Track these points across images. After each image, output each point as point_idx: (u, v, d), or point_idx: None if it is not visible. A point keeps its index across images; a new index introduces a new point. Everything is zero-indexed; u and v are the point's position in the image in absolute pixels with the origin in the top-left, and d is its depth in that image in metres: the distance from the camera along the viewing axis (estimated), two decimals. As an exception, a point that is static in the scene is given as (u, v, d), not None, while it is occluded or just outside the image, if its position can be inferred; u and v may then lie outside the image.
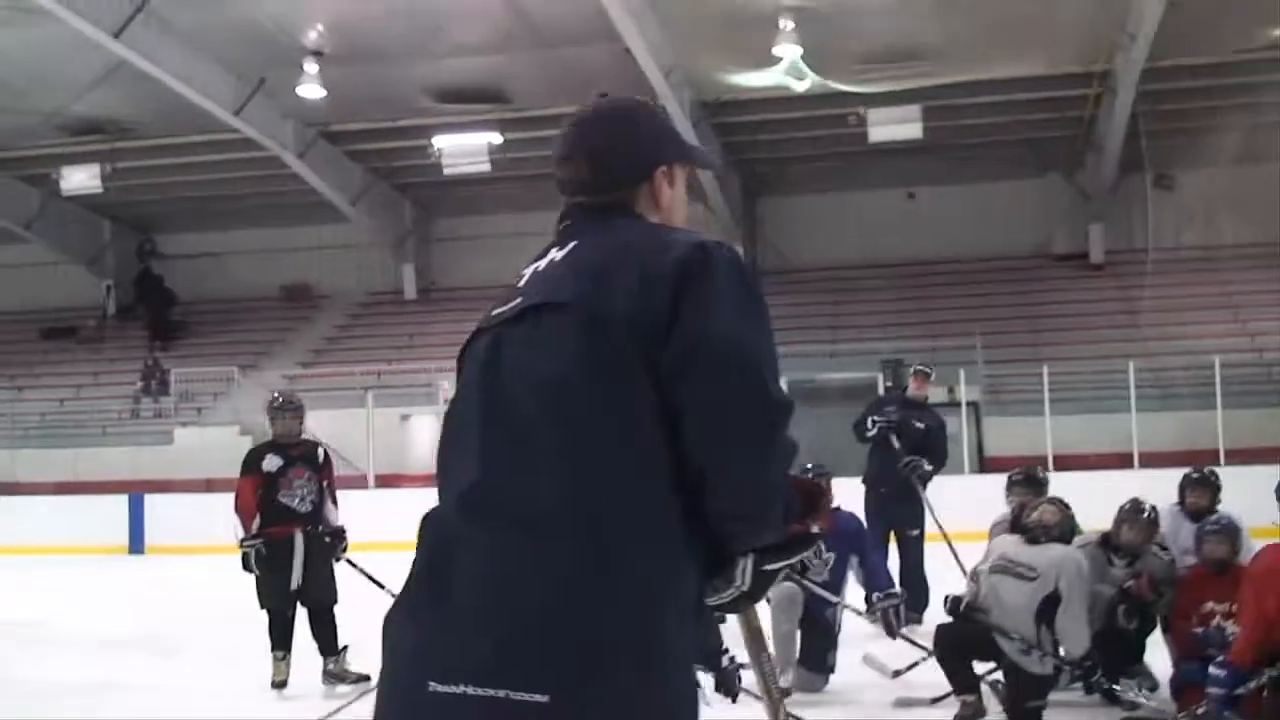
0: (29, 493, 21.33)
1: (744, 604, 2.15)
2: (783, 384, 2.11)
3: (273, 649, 7.73)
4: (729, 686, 5.97)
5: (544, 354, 2.04)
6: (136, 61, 18.79)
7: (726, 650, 6.08)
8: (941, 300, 23.44)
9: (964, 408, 19.54)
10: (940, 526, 9.37)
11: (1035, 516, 6.26)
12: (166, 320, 27.43)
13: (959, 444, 19.28)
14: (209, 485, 18.67)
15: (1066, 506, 6.53)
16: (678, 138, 2.42)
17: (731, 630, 6.14)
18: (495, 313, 2.18)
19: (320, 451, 8.06)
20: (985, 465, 19.31)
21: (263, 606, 7.78)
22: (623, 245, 2.12)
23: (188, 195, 25.96)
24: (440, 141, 23.14)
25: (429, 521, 2.08)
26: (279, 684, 7.69)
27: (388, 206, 26.94)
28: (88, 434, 23.49)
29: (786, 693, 6.27)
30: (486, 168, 23.15)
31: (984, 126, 22.42)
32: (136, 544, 18.92)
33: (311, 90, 20.58)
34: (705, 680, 6.10)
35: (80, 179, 23.39)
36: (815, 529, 2.16)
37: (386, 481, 19.32)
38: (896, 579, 8.57)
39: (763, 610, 6.14)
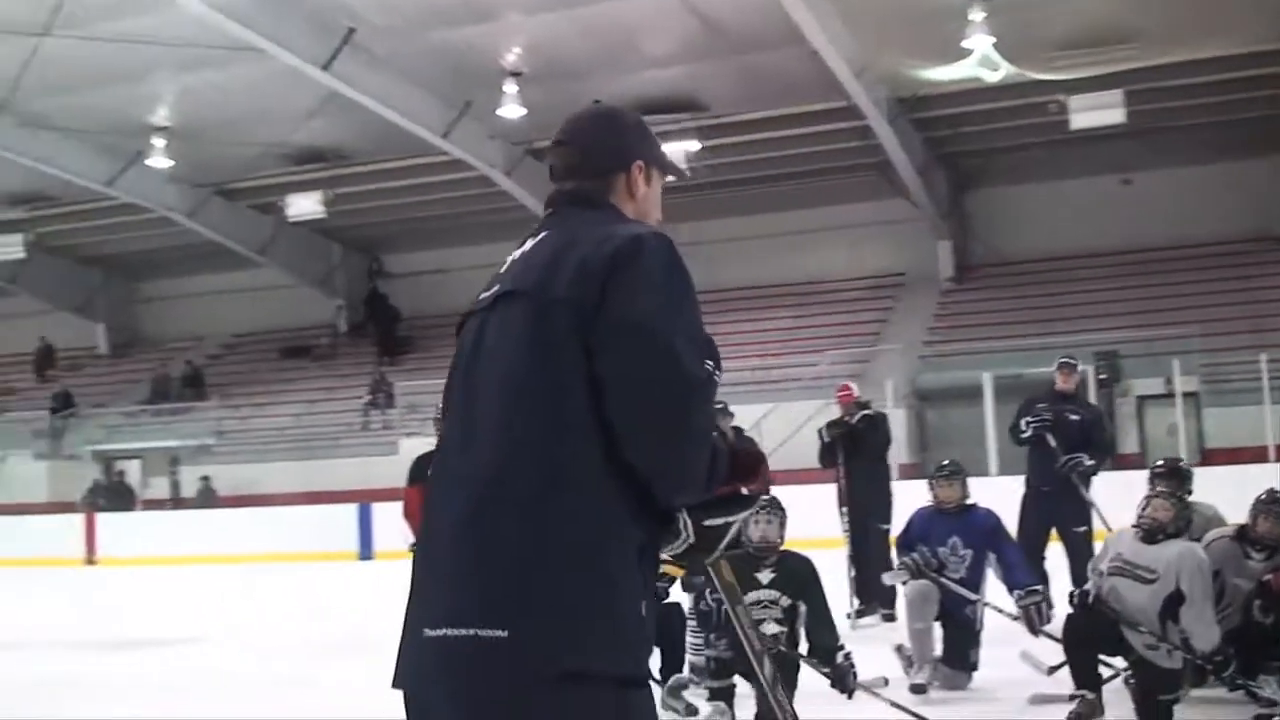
0: (270, 504, 22.69)
1: (696, 555, 2.45)
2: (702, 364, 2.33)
3: None
4: (844, 683, 6.05)
5: (506, 336, 2.34)
6: (346, 91, 19.86)
7: (842, 647, 6.17)
8: (1157, 288, 22.65)
9: (1179, 398, 18.91)
10: (1106, 524, 9.14)
11: (1148, 513, 6.13)
12: (393, 336, 28.67)
13: (1177, 436, 18.77)
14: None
15: (1181, 499, 6.37)
16: (656, 145, 2.68)
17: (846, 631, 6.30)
18: (480, 297, 2.47)
19: None
20: (1206, 458, 18.57)
21: None
22: (574, 239, 2.37)
23: (408, 216, 27.17)
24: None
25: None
26: None
27: (599, 218, 27.47)
28: (321, 446, 24.76)
29: (871, 685, 6.28)
30: (686, 174, 23.46)
31: (1192, 108, 21.52)
32: (365, 550, 19.87)
33: (512, 110, 21.30)
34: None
35: (305, 205, 24.77)
36: (746, 491, 2.43)
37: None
38: (1068, 578, 8.48)
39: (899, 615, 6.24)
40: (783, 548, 6.56)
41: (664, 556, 2.41)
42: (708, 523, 2.38)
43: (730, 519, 2.42)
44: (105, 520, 24.01)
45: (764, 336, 24.77)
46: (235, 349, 30.94)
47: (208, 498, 24.01)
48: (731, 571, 2.62)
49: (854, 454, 10.42)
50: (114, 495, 25.30)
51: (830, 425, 10.62)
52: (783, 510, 6.53)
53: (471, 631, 2.16)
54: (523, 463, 2.22)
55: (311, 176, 24.86)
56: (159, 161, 23.72)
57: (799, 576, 6.40)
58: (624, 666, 2.21)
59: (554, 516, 2.19)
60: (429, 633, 2.21)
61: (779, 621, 6.25)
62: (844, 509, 10.39)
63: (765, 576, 6.35)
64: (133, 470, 26.55)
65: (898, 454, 18.62)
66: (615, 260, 2.29)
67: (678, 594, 7.02)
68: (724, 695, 6.07)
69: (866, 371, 22.34)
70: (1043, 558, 9.06)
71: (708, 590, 6.53)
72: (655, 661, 6.31)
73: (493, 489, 2.22)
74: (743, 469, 2.40)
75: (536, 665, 2.14)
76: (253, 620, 13.24)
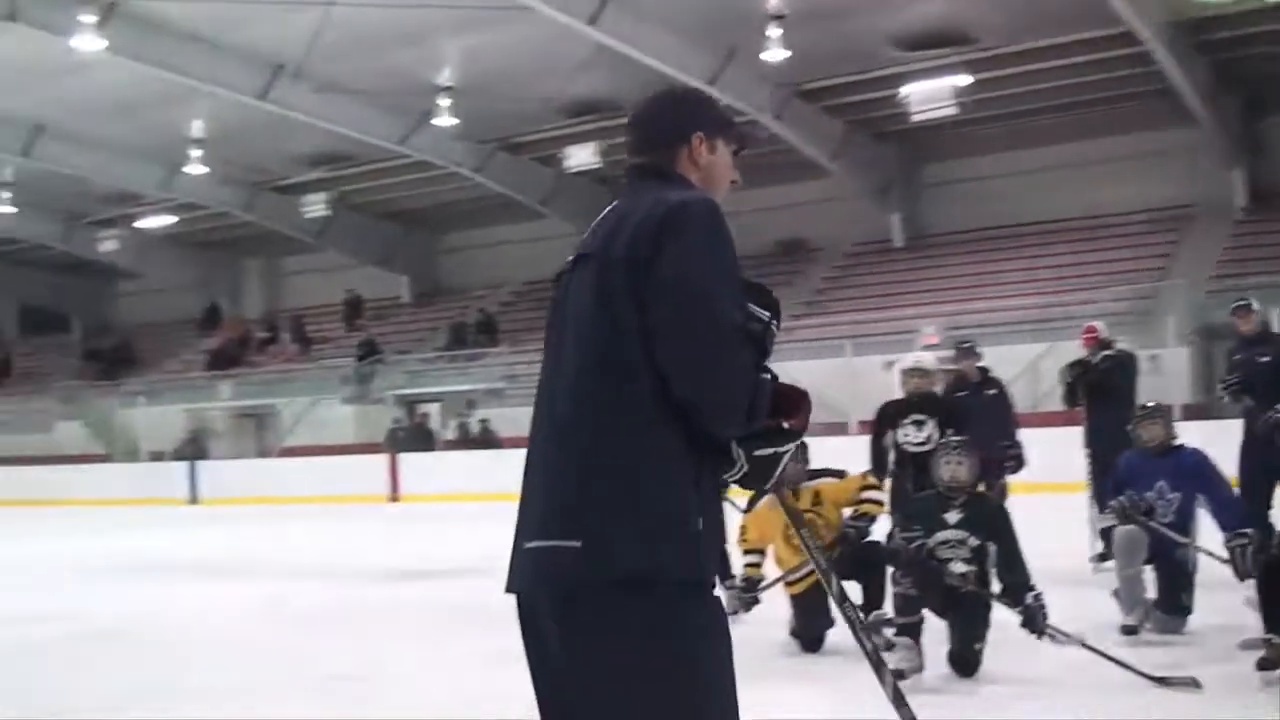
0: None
1: (751, 484, 2.75)
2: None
3: None
4: (1034, 624, 6.13)
5: (579, 292, 2.70)
6: (613, 44, 20.38)
7: (1033, 588, 6.23)
8: None
9: None
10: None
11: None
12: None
13: None
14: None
15: None
16: (720, 116, 3.00)
17: (1037, 568, 6.34)
18: (568, 260, 2.85)
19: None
20: None
21: None
22: (635, 207, 2.73)
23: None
24: (908, 89, 23.34)
25: None
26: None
27: (869, 157, 27.37)
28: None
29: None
30: (954, 111, 23.14)
31: None
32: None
33: (776, 54, 21.35)
34: None
35: (582, 156, 25.57)
36: (787, 425, 2.71)
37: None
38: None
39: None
40: (978, 489, 6.71)
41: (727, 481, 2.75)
42: (758, 453, 2.67)
43: (778, 450, 2.70)
44: (407, 460, 25.64)
45: (1040, 274, 24.19)
46: (526, 296, 32.22)
47: (489, 439, 25.26)
48: (794, 498, 2.85)
49: (1097, 396, 10.25)
50: (415, 437, 26.88)
51: (1071, 366, 10.47)
52: (974, 453, 6.65)
53: (553, 543, 2.56)
54: (590, 400, 2.59)
55: (586, 128, 25.60)
56: (445, 120, 24.84)
57: (988, 517, 6.50)
58: (685, 572, 2.55)
59: (618, 445, 2.56)
60: (526, 545, 2.62)
61: (966, 561, 6.37)
62: (1087, 450, 10.27)
63: (953, 517, 6.47)
64: (433, 413, 28.14)
65: (1180, 394, 18.03)
66: (663, 223, 2.61)
67: (879, 533, 7.25)
68: (912, 631, 6.25)
69: (1150, 308, 21.58)
70: (1267, 506, 8.67)
71: (897, 530, 6.71)
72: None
73: (568, 421, 2.61)
74: (787, 405, 2.69)
75: (606, 570, 2.50)
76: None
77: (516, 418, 25.62)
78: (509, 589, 2.69)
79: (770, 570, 7.34)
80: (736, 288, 2.65)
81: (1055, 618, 6.26)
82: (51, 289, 41.86)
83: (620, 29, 20.24)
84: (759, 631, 7.10)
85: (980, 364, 10.85)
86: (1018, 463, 10.01)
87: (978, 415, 9.23)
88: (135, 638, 9.00)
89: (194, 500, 27.12)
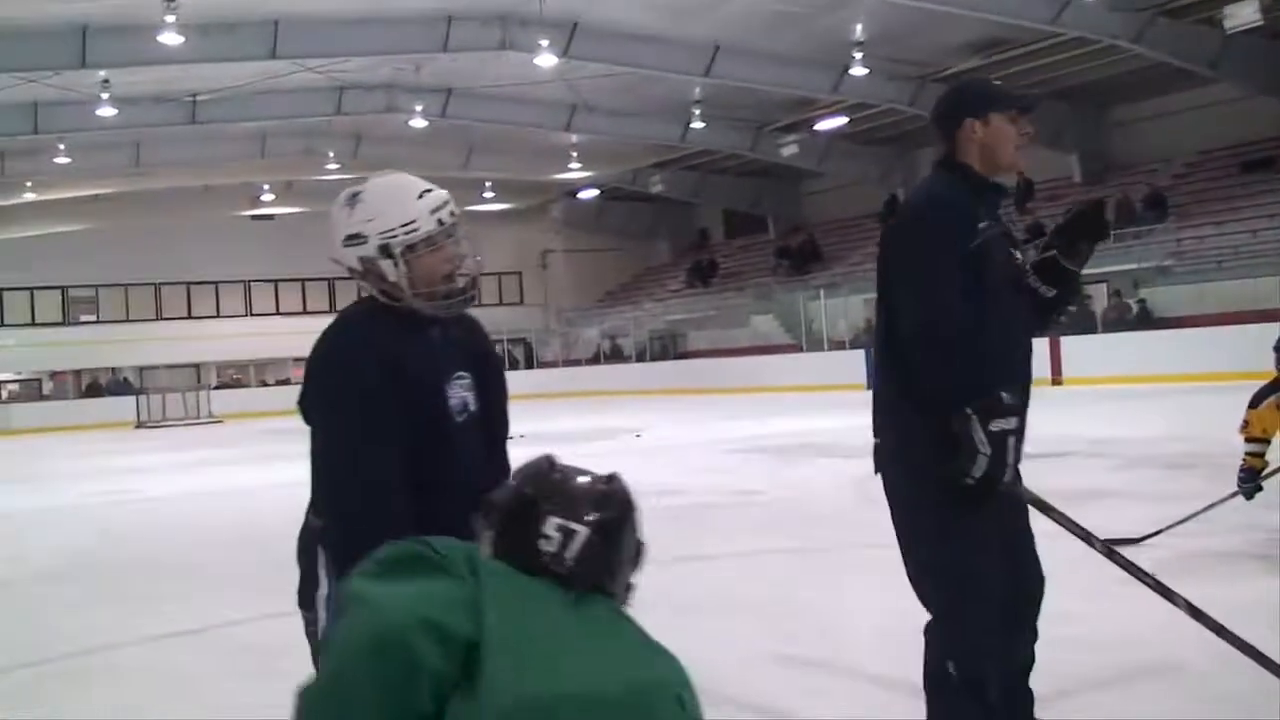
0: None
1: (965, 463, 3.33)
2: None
3: None
4: None
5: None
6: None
7: None
8: None
9: None
10: None
11: None
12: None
13: None
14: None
15: None
16: (989, 101, 3.62)
17: None
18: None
19: None
20: None
21: None
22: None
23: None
24: None
25: None
26: None
27: None
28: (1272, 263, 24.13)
29: None
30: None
31: None
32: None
33: None
34: None
35: (1244, 14, 23.88)
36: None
37: None
38: None
39: None
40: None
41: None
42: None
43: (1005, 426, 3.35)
44: (1070, 343, 25.73)
45: None
46: (1199, 167, 30.71)
47: (1146, 319, 24.71)
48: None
49: None
50: (1077, 319, 26.79)
51: None
52: None
53: (876, 440, 3.54)
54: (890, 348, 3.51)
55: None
56: (1101, -6, 24.18)
57: None
58: (960, 474, 3.27)
59: (892, 379, 3.51)
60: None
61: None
62: None
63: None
64: (1098, 295, 27.83)
65: None
66: (898, 215, 3.62)
67: None
68: None
69: None
70: None
71: None
72: None
73: (880, 357, 3.56)
74: None
75: (897, 460, 3.43)
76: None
77: (1179, 297, 24.92)
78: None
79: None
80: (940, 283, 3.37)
81: None
82: (748, 193, 45.45)
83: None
84: None
85: None
86: None
87: None
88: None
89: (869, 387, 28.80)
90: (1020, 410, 3.28)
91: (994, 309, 3.35)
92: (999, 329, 3.37)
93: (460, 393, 3.17)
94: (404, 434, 3.04)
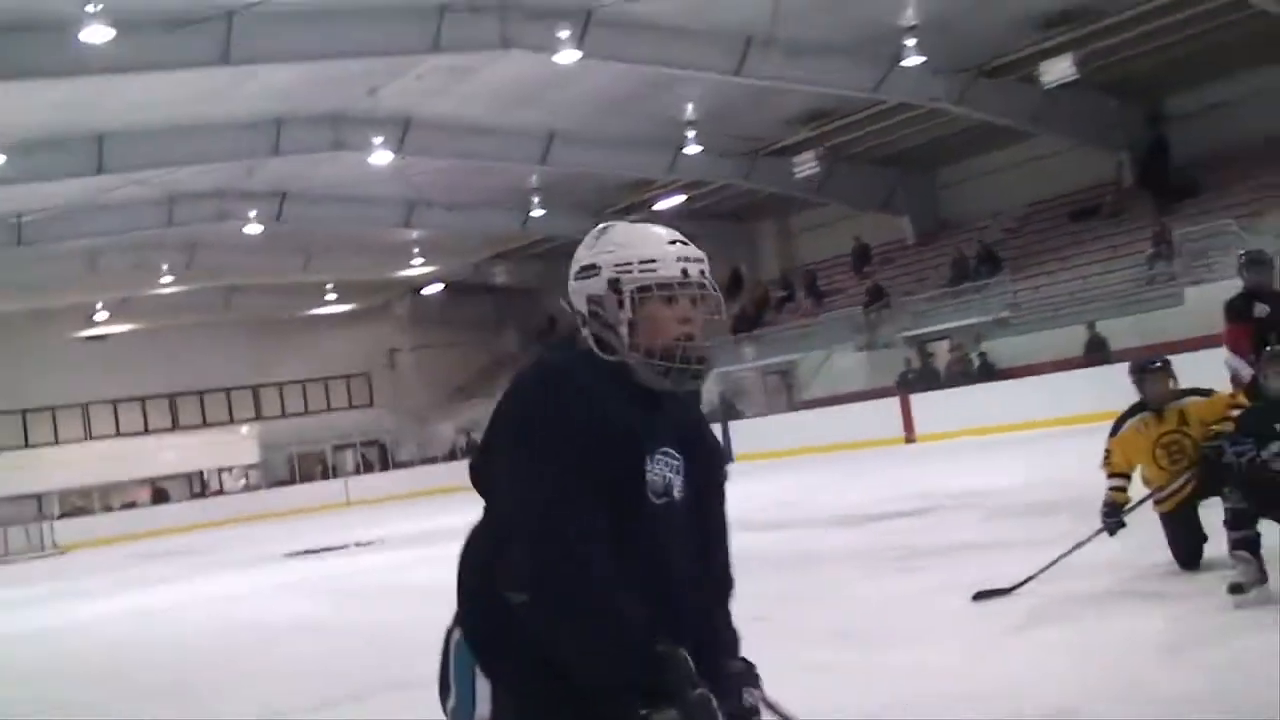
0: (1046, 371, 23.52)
1: None
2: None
3: None
4: None
5: None
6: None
7: None
8: None
9: None
10: None
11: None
12: (1167, 185, 27.69)
13: None
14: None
15: None
16: None
17: None
18: None
19: None
20: None
21: None
22: None
23: (1171, 57, 26.10)
24: None
25: None
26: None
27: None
28: (1106, 307, 24.84)
29: None
30: None
31: None
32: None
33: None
34: None
35: (1059, 69, 24.70)
36: None
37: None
38: None
39: None
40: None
41: None
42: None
43: None
44: (918, 400, 26.15)
45: None
46: (1028, 220, 31.64)
47: (988, 371, 25.33)
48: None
49: None
50: (923, 376, 27.29)
51: None
52: None
53: None
54: None
55: (1063, 39, 24.73)
56: (914, 59, 24.74)
57: None
58: None
59: None
60: None
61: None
62: None
63: (1284, 427, 6.35)
64: (940, 351, 28.37)
65: None
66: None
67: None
68: (1248, 546, 6.16)
69: None
70: None
71: (1226, 444, 6.60)
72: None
73: None
74: None
75: None
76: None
77: (1019, 346, 25.54)
78: None
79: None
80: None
81: None
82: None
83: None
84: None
85: None
86: None
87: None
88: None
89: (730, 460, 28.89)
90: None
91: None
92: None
93: (664, 472, 2.68)
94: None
